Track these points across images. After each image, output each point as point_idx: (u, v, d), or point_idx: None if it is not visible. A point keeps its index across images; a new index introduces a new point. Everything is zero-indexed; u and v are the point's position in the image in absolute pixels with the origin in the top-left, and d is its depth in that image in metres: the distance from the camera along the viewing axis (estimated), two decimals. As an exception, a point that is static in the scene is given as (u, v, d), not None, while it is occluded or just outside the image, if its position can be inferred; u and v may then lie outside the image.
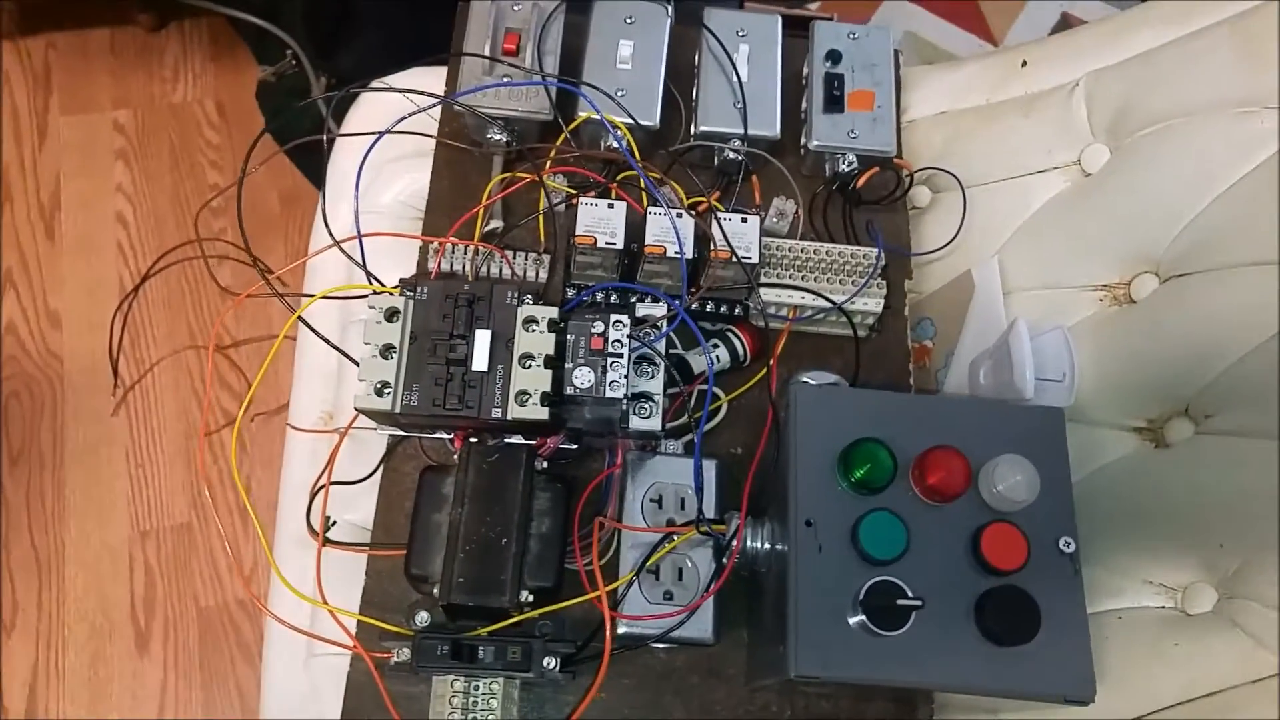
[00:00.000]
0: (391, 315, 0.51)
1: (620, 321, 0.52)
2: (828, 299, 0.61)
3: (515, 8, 0.70)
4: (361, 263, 0.62)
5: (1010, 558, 0.45)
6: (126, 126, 1.28)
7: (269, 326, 1.11)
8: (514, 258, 0.64)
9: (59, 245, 1.19)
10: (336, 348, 0.60)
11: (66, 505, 1.07)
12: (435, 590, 0.51)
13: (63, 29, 1.33)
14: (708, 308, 0.62)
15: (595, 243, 0.59)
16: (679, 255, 0.58)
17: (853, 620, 0.46)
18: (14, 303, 1.15)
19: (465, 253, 0.63)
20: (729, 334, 0.62)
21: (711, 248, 0.59)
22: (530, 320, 0.52)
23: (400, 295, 0.53)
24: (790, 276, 0.62)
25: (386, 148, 0.72)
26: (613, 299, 0.61)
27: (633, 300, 0.58)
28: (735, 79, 0.69)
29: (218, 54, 1.33)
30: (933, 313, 0.67)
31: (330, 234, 0.60)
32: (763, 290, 0.61)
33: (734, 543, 0.51)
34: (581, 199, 0.60)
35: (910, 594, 0.45)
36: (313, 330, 0.61)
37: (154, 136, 1.27)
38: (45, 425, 1.10)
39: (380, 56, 0.96)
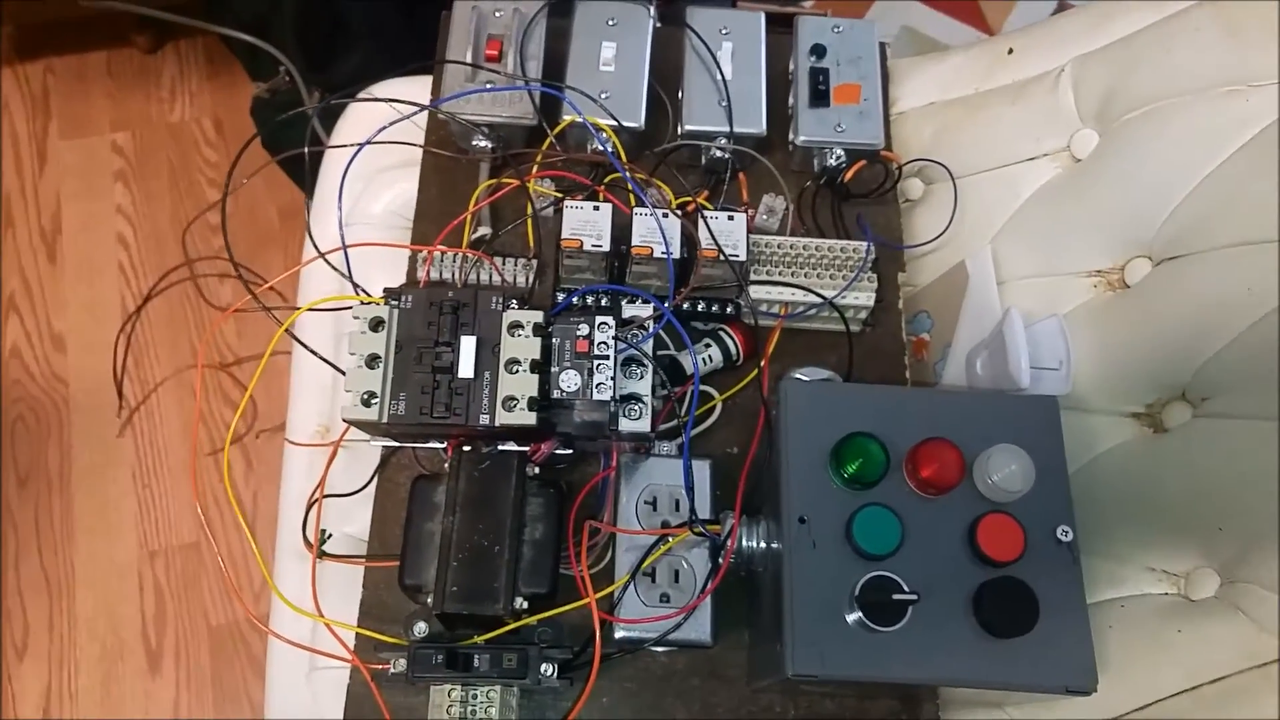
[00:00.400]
0: (376, 325, 0.51)
1: (605, 324, 0.52)
2: (818, 294, 0.61)
3: (497, 13, 0.70)
4: (348, 274, 0.62)
5: (1007, 549, 0.45)
6: (125, 148, 1.29)
7: (270, 333, 1.12)
8: (503, 264, 0.63)
9: (61, 268, 1.20)
10: (325, 360, 0.60)
11: (75, 526, 1.07)
12: (430, 600, 0.51)
13: (60, 53, 1.35)
14: (699, 307, 0.61)
15: (582, 246, 0.59)
16: (666, 256, 0.58)
17: (850, 617, 0.45)
18: (18, 326, 1.16)
19: (454, 260, 0.63)
20: (721, 333, 0.62)
21: (699, 248, 0.59)
22: (516, 325, 0.52)
23: (385, 305, 0.53)
24: (780, 273, 0.62)
25: (376, 157, 0.73)
26: (603, 302, 0.61)
27: (622, 302, 0.58)
28: (719, 77, 0.68)
29: (213, 73, 1.34)
30: (928, 305, 0.66)
31: (315, 246, 0.60)
32: (753, 288, 0.61)
33: (729, 543, 0.50)
34: (567, 202, 0.60)
35: (906, 588, 0.44)
36: (300, 343, 0.61)
37: (152, 157, 1.28)
38: (52, 447, 1.11)
39: (372, 68, 0.97)
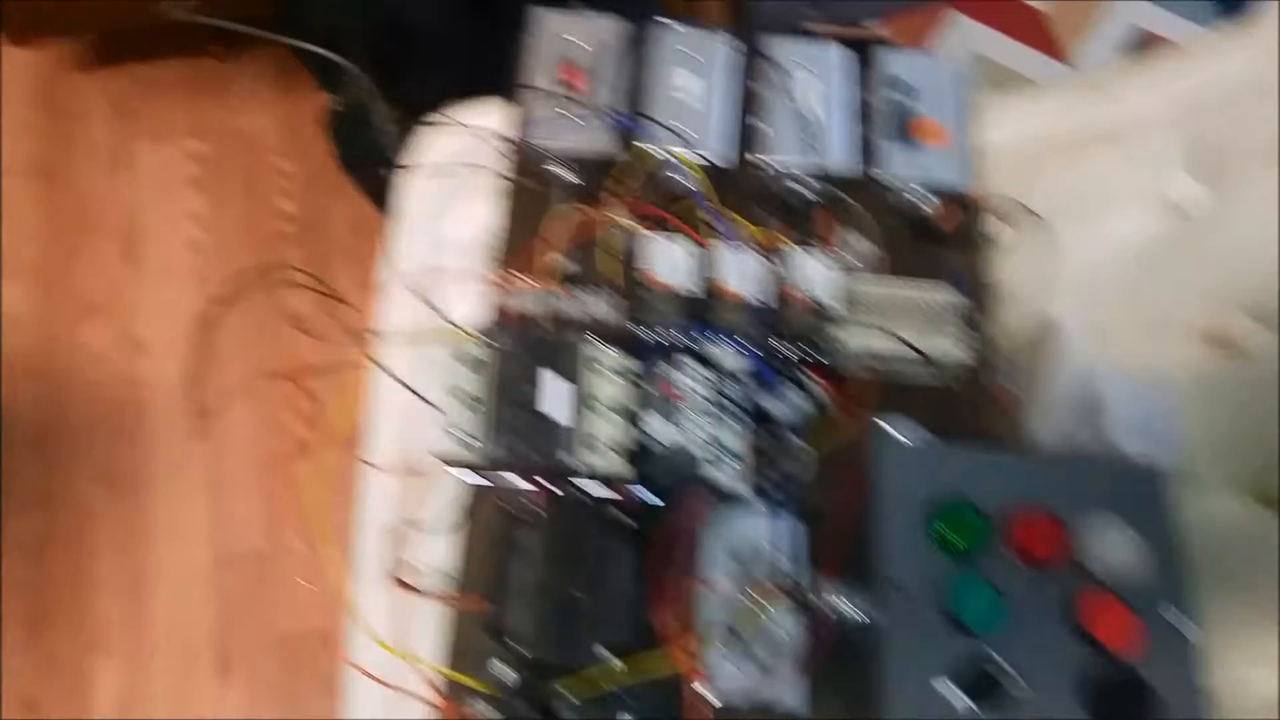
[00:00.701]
0: (473, 364, 0.51)
1: (693, 368, 0.52)
2: (908, 344, 0.60)
3: (579, 41, 0.69)
4: (436, 309, 0.62)
5: (1117, 634, 0.43)
6: (201, 155, 1.32)
7: (342, 346, 1.13)
8: (583, 298, 0.63)
9: (140, 273, 1.23)
10: (415, 392, 0.60)
11: (153, 531, 1.10)
12: (515, 645, 0.51)
13: (140, 60, 1.38)
14: (785, 353, 0.60)
15: (663, 284, 0.58)
16: (751, 300, 0.57)
17: (948, 696, 0.44)
18: (100, 330, 1.20)
19: (535, 293, 0.63)
20: (805, 380, 0.61)
21: (785, 291, 0.58)
22: (602, 365, 0.52)
23: (479, 341, 0.53)
24: (867, 320, 0.60)
25: (454, 181, 0.73)
26: (687, 343, 0.60)
27: (707, 345, 0.57)
28: (802, 110, 0.67)
29: (286, 82, 1.36)
30: (1018, 359, 0.64)
31: (396, 274, 0.61)
32: (839, 335, 0.60)
33: (821, 608, 0.50)
34: (649, 237, 0.60)
35: (1008, 669, 0.43)
36: (390, 374, 0.61)
37: (226, 164, 1.31)
38: (131, 450, 1.14)
39: (445, 85, 0.97)
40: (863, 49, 0.72)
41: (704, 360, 0.52)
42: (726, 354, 0.54)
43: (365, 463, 0.71)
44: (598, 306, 0.64)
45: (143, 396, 1.15)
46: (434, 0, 0.97)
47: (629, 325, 0.64)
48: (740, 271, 0.58)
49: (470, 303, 0.69)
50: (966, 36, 1.36)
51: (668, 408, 0.50)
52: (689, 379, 0.51)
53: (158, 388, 1.15)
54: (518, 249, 0.69)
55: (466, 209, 0.79)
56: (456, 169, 0.73)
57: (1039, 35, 1.37)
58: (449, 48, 1.01)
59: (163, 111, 1.32)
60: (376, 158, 0.91)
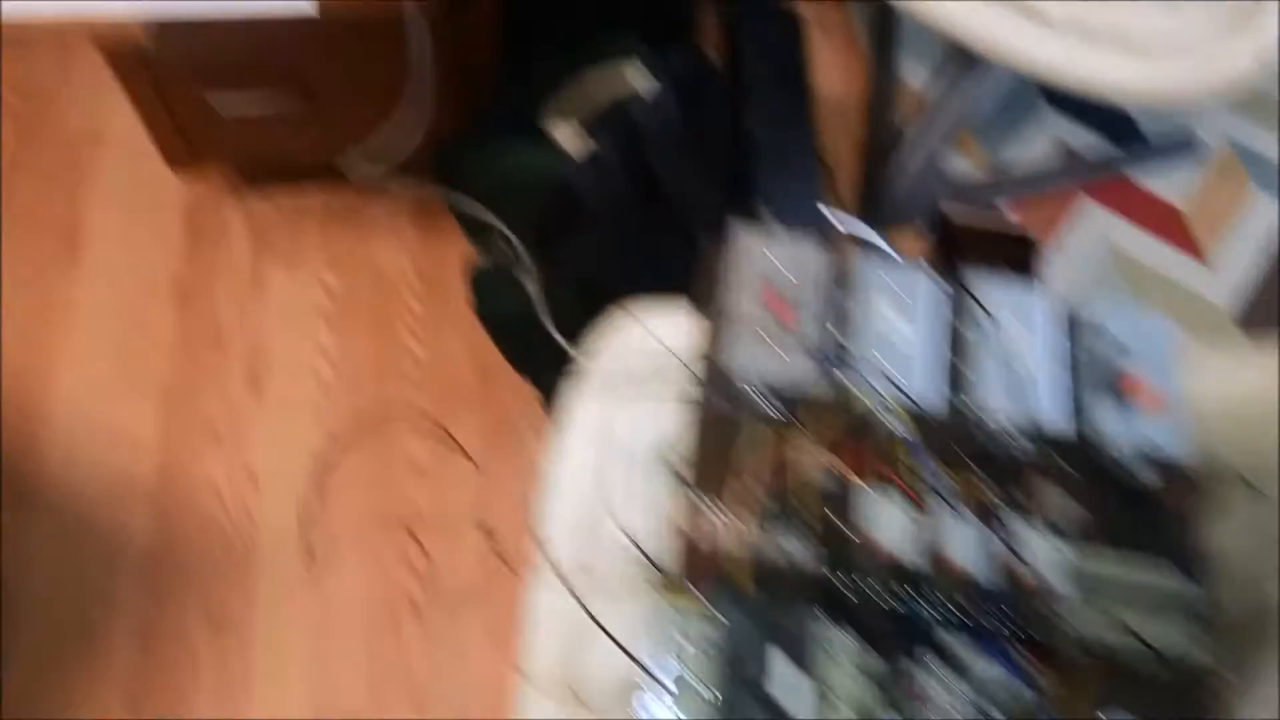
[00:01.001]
0: (707, 648, 0.49)
1: (937, 667, 0.49)
2: (1133, 635, 0.56)
3: (778, 262, 0.69)
4: (633, 541, 0.60)
5: None
6: (333, 287, 1.33)
7: (459, 501, 1.10)
8: (783, 542, 0.61)
9: (262, 403, 1.23)
10: (616, 640, 0.57)
11: (252, 677, 1.06)
12: None
13: (282, 185, 1.41)
14: (1009, 636, 0.57)
15: (884, 548, 0.56)
16: (978, 577, 0.55)
17: None
18: (216, 459, 1.19)
19: (730, 528, 0.60)
20: (1017, 657, 0.57)
21: (1005, 563, 0.55)
22: (836, 651, 0.49)
23: (700, 602, 0.50)
24: (1090, 602, 0.57)
25: (633, 385, 0.72)
26: (927, 631, 0.56)
27: (938, 629, 0.54)
28: (1009, 356, 0.66)
29: (426, 222, 1.38)
30: (1239, 648, 0.60)
31: (563, 475, 0.59)
32: (1061, 616, 0.56)
33: None
34: (861, 488, 0.57)
35: None
36: (585, 610, 0.58)
37: (357, 300, 1.32)
38: (237, 590, 1.11)
39: (604, 267, 0.98)
40: (1026, 260, 0.71)
41: (940, 651, 0.49)
42: (963, 643, 0.51)
43: (525, 690, 0.66)
44: (800, 554, 0.61)
45: (253, 533, 1.13)
46: (608, 187, 0.99)
47: (842, 580, 0.59)
48: (962, 541, 0.55)
49: (652, 517, 0.66)
50: (1099, 226, 1.34)
51: (913, 711, 0.47)
52: (933, 679, 0.47)
53: (269, 526, 1.13)
54: (707, 474, 0.67)
55: (647, 413, 0.76)
56: (636, 375, 0.72)
57: (1175, 231, 1.33)
58: (616, 233, 1.03)
59: (301, 240, 1.35)
60: (519, 313, 0.91)
